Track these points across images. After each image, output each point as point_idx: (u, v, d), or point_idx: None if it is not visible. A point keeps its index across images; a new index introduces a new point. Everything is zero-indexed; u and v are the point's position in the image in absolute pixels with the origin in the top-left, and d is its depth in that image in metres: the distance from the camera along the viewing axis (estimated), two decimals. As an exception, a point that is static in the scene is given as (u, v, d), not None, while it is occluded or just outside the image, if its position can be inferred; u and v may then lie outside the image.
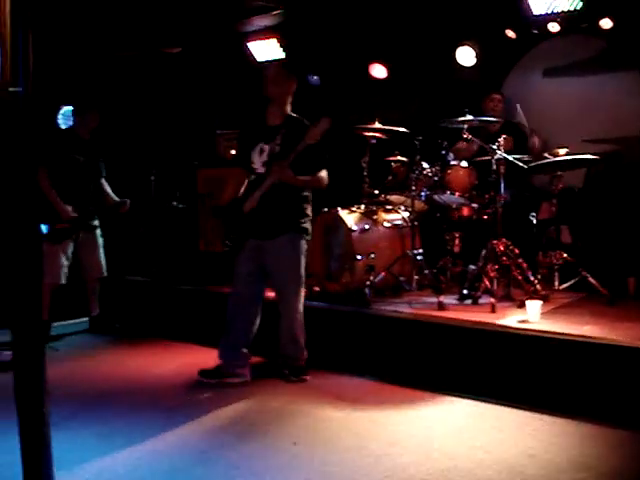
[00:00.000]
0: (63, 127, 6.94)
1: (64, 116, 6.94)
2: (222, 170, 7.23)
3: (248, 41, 8.15)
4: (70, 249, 6.23)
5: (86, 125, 6.33)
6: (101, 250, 6.51)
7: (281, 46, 7.93)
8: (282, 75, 4.90)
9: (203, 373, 4.98)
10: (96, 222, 6.49)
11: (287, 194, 4.77)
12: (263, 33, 8.00)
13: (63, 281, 6.18)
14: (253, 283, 4.92)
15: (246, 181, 4.97)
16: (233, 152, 7.37)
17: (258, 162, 4.84)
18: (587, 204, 6.18)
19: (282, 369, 5.00)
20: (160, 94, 8.26)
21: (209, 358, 5.20)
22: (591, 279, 5.44)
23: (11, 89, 2.47)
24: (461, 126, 5.71)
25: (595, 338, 4.31)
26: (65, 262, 6.18)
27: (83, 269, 6.45)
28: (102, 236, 6.54)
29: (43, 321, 5.94)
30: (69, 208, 6.11)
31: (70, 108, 6.51)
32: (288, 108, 4.91)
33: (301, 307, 4.92)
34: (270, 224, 4.78)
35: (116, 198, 6.55)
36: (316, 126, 4.64)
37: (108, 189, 6.56)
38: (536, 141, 6.22)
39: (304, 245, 4.90)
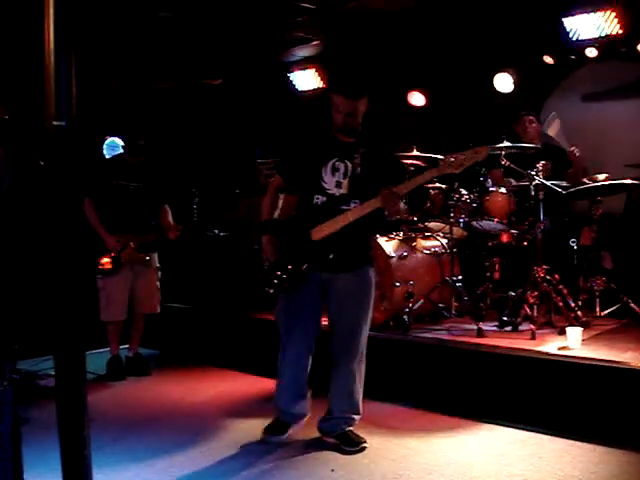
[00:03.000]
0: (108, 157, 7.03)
1: (109, 147, 7.08)
2: (262, 198, 7.32)
3: (289, 71, 8.27)
4: (126, 282, 5.93)
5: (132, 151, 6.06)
6: (157, 284, 6.14)
7: (320, 76, 8.04)
8: (366, 103, 4.04)
9: (268, 430, 4.35)
10: (152, 253, 6.09)
11: (366, 222, 4.03)
12: (303, 63, 8.12)
13: (119, 317, 5.93)
14: (315, 318, 4.19)
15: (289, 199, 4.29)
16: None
17: (331, 181, 4.03)
18: (628, 229, 6.12)
19: (328, 434, 4.25)
20: (202, 124, 8.41)
21: (248, 384, 5.24)
22: (633, 305, 5.38)
23: (55, 123, 2.54)
24: (498, 152, 5.71)
25: (637, 365, 4.24)
26: (121, 297, 5.90)
27: (133, 302, 6.01)
28: (160, 269, 6.21)
29: (114, 356, 5.99)
30: (114, 238, 5.79)
31: (114, 139, 6.59)
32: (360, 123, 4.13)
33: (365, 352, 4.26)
34: (346, 255, 4.05)
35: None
36: (472, 154, 3.90)
37: (169, 217, 6.14)
38: (575, 151, 6.12)
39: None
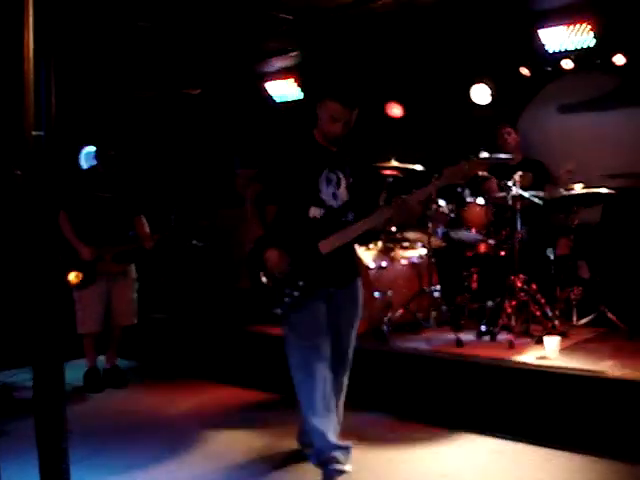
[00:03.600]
0: (85, 167, 7.00)
1: (87, 156, 7.04)
2: (241, 209, 7.31)
3: (266, 82, 8.28)
4: (102, 294, 5.87)
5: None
6: (134, 295, 6.10)
7: (299, 86, 8.06)
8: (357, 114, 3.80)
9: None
10: (129, 264, 6.06)
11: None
12: (281, 74, 8.13)
13: (95, 329, 5.88)
14: (328, 338, 3.84)
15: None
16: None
17: (327, 193, 3.79)
18: (604, 239, 6.18)
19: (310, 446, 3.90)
20: (181, 134, 8.39)
21: (228, 396, 5.22)
22: (610, 314, 5.43)
23: (34, 133, 2.53)
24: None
25: (615, 374, 4.28)
26: (97, 309, 5.84)
27: (110, 314, 5.95)
28: (138, 280, 6.17)
29: (91, 368, 5.95)
30: (89, 249, 5.70)
31: (92, 149, 6.54)
32: None
33: None
34: (345, 269, 3.90)
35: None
36: (476, 165, 3.87)
37: (145, 227, 6.11)
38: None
39: None
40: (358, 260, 4.32)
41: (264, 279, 3.78)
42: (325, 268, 3.75)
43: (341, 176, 3.82)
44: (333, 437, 3.69)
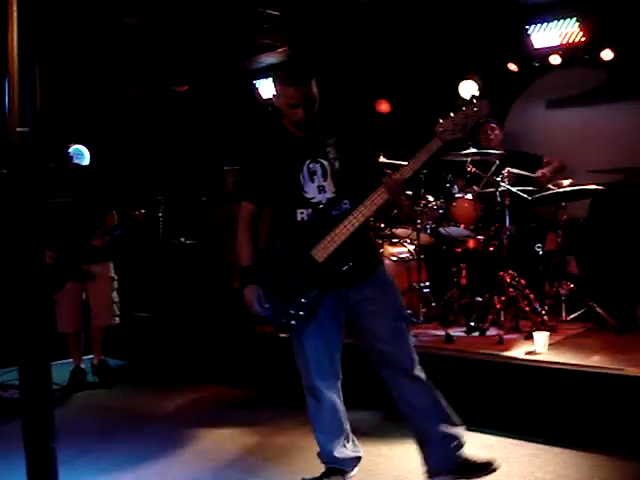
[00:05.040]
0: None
1: (73, 154, 6.99)
2: (230, 206, 7.30)
3: (254, 78, 8.26)
4: (75, 295, 5.84)
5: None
6: (112, 295, 5.99)
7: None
8: (316, 86, 3.35)
9: None
10: (101, 263, 5.92)
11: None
12: (269, 70, 8.11)
13: (72, 329, 5.86)
14: (338, 342, 3.57)
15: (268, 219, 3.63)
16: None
17: (312, 189, 3.39)
18: (593, 234, 6.19)
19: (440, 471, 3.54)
20: (169, 131, 8.36)
21: (216, 394, 5.20)
22: (599, 309, 5.45)
23: (19, 129, 2.51)
24: (464, 159, 5.76)
25: (604, 368, 4.29)
26: (72, 309, 5.82)
27: (90, 314, 5.95)
28: (116, 280, 6.07)
29: (75, 368, 5.87)
30: (49, 254, 5.46)
31: (78, 147, 6.49)
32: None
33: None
34: (356, 265, 3.37)
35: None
36: (472, 111, 3.25)
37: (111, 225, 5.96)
38: (545, 172, 6.19)
39: None
40: (372, 245, 3.78)
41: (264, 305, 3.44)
42: (328, 274, 3.35)
43: (326, 164, 3.38)
44: (341, 452, 3.60)
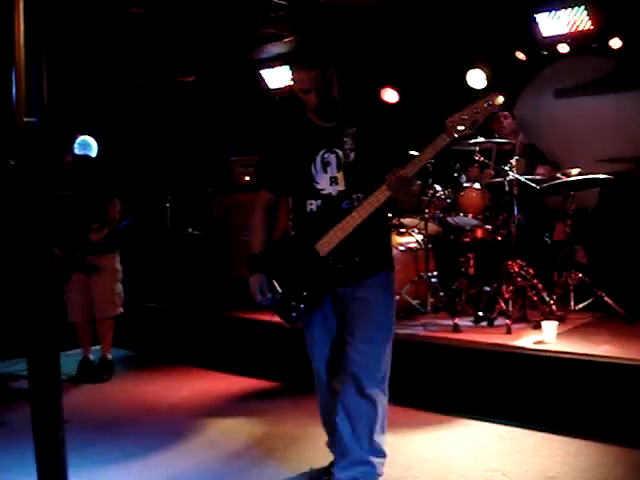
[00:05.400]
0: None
1: (80, 146, 6.99)
2: (237, 196, 7.30)
3: (261, 68, 8.24)
4: (81, 285, 5.83)
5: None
6: (114, 286, 5.95)
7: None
8: (332, 69, 3.22)
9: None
10: (104, 255, 5.88)
11: (376, 217, 3.20)
12: (275, 60, 8.09)
13: (78, 319, 5.87)
14: (332, 340, 3.44)
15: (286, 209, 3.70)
16: (247, 178, 7.42)
17: (324, 179, 3.27)
18: (601, 224, 6.17)
19: None
20: (175, 122, 8.35)
21: (224, 384, 5.20)
22: (607, 299, 5.42)
23: (26, 119, 2.50)
24: (473, 148, 5.73)
25: (612, 358, 4.28)
26: (78, 299, 5.83)
27: (94, 307, 5.94)
28: (121, 271, 6.02)
29: (84, 358, 5.91)
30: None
31: (85, 138, 6.48)
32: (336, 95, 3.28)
33: (388, 375, 3.36)
34: (359, 263, 3.26)
35: None
36: (483, 106, 3.03)
37: (112, 214, 5.86)
38: (542, 171, 6.15)
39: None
40: (385, 247, 3.51)
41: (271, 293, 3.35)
42: (330, 269, 3.24)
43: (340, 154, 3.23)
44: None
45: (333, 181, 3.25)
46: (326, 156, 3.25)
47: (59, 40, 5.56)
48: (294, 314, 3.32)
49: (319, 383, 3.53)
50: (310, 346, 3.48)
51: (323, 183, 3.26)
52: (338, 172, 3.24)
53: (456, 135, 3.05)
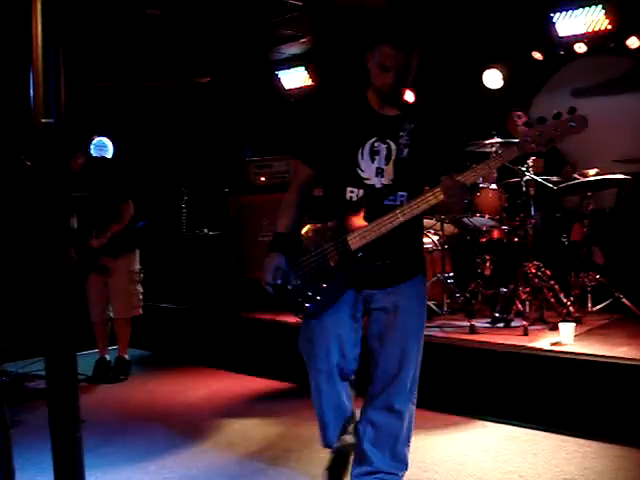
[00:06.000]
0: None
1: (96, 147, 7.02)
2: (252, 197, 7.31)
3: (277, 69, 8.25)
4: (98, 285, 5.89)
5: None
6: (132, 287, 5.97)
7: (309, 74, 8.02)
8: (416, 56, 3.07)
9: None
10: (120, 256, 5.89)
11: (416, 219, 2.99)
12: (291, 61, 8.10)
13: (96, 319, 5.93)
14: (354, 345, 3.17)
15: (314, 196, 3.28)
16: (263, 179, 7.42)
17: (370, 169, 3.01)
18: (619, 225, 6.13)
19: None
20: (191, 122, 8.37)
21: (240, 384, 5.21)
22: (625, 300, 5.39)
23: (43, 120, 2.51)
24: (489, 149, 5.71)
25: (631, 360, 4.24)
26: (96, 298, 5.89)
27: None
28: (139, 271, 6.05)
29: (100, 358, 5.95)
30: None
31: (102, 139, 6.50)
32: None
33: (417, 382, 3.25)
34: (390, 265, 3.01)
35: None
36: (564, 127, 2.78)
37: (124, 216, 5.87)
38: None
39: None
40: (419, 252, 3.34)
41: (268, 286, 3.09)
42: (358, 265, 3.01)
43: (393, 147, 3.00)
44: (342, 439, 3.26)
45: (379, 172, 3.01)
46: (376, 145, 3.01)
47: (76, 41, 5.60)
48: (308, 305, 3.07)
49: (329, 384, 3.15)
50: (317, 339, 3.10)
51: (368, 172, 3.02)
52: (386, 165, 3.01)
53: (527, 151, 2.84)
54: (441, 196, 2.83)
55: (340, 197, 3.06)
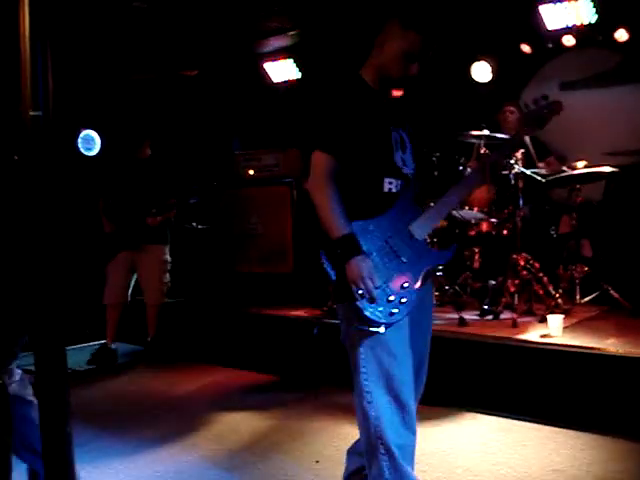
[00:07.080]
0: (83, 151, 6.96)
1: (83, 140, 7.00)
2: (241, 190, 7.29)
3: (264, 62, 8.22)
4: (125, 267, 6.09)
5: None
6: (162, 276, 6.23)
7: (297, 66, 8.00)
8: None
9: None
10: (153, 244, 6.18)
11: None
12: (279, 54, 8.07)
13: (112, 300, 6.07)
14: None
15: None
16: (252, 172, 7.40)
17: (399, 159, 2.76)
18: (607, 217, 6.15)
19: None
20: (179, 116, 8.33)
21: (230, 378, 5.20)
22: (613, 292, 5.42)
23: (31, 113, 2.49)
24: (478, 141, 5.72)
25: (619, 351, 4.27)
26: (118, 281, 6.07)
27: (143, 295, 6.29)
28: (169, 262, 6.33)
29: (103, 345, 6.04)
30: (109, 225, 6.07)
31: (88, 132, 6.50)
32: None
33: None
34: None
35: None
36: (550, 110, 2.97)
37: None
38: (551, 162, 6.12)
39: None
40: None
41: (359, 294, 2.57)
42: (429, 255, 2.75)
43: (404, 135, 2.82)
44: None
45: (404, 162, 2.79)
46: (396, 133, 2.79)
47: (62, 34, 5.56)
48: (395, 311, 2.61)
49: (406, 412, 2.85)
50: (399, 357, 2.73)
51: (400, 162, 2.77)
52: (404, 154, 2.79)
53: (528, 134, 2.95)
54: (481, 176, 2.79)
55: (377, 189, 2.72)
